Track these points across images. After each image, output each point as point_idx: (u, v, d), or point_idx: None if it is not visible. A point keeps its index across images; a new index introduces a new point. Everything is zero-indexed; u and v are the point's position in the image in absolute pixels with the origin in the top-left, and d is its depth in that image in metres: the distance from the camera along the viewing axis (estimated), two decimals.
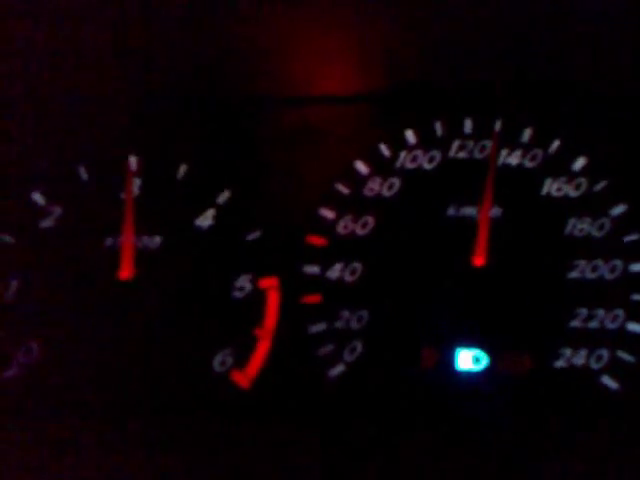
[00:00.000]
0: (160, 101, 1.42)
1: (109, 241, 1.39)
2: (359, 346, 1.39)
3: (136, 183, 1.41)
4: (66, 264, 1.39)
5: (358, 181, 1.43)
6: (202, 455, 1.32)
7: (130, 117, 1.41)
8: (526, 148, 1.42)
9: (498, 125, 1.42)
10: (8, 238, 1.40)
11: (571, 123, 1.42)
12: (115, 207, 1.40)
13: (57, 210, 1.42)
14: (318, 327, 1.40)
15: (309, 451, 1.32)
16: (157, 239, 1.40)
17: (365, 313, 1.40)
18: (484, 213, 1.37)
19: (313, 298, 1.40)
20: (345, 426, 1.35)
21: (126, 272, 1.36)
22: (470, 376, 1.37)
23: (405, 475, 1.28)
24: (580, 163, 1.42)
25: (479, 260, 1.37)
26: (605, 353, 1.38)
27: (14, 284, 1.38)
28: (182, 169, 1.42)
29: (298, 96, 1.44)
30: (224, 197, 1.42)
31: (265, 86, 1.41)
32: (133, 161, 1.42)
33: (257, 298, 1.39)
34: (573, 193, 1.42)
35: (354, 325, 1.39)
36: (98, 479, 1.28)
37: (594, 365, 1.38)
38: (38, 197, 1.42)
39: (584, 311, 1.39)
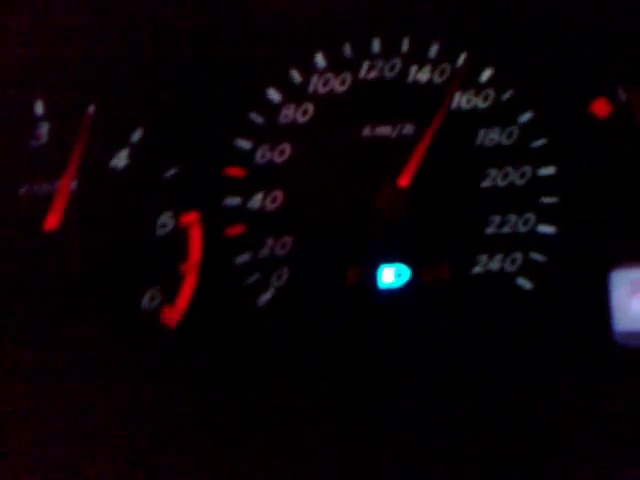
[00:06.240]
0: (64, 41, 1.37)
1: (23, 190, 1.36)
2: (286, 272, 1.42)
3: (44, 128, 1.38)
4: None
5: (272, 109, 1.42)
6: (135, 388, 1.35)
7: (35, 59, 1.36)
8: (434, 63, 1.44)
9: (405, 43, 1.43)
10: None
11: (476, 36, 1.43)
12: (24, 154, 1.36)
13: None
14: (243, 257, 1.42)
15: (242, 375, 1.38)
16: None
17: (289, 240, 1.42)
18: (425, 141, 1.39)
19: (236, 229, 1.42)
20: (277, 350, 1.40)
21: (53, 221, 1.34)
22: (393, 291, 1.43)
23: (338, 394, 1.35)
24: (487, 74, 1.45)
25: (404, 181, 1.40)
26: (519, 256, 1.45)
27: None
28: (90, 110, 1.39)
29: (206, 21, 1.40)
30: (137, 135, 1.40)
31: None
32: (39, 105, 1.38)
33: (180, 234, 1.40)
34: (482, 104, 1.45)
35: (279, 252, 1.42)
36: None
37: (509, 268, 1.45)
38: None
39: (497, 218, 1.45)
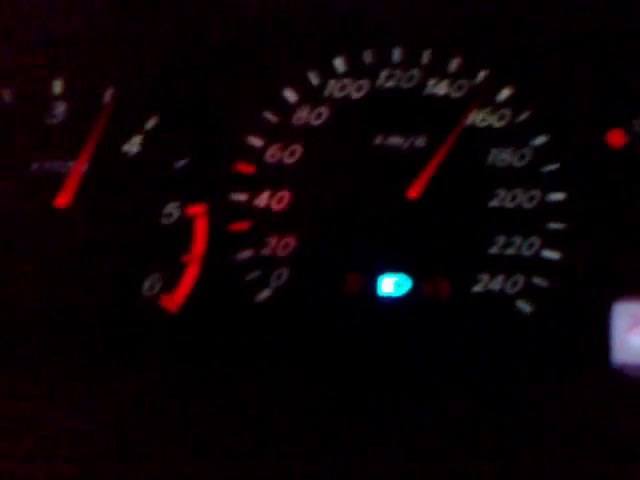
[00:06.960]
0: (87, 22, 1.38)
1: (34, 167, 1.38)
2: (285, 272, 1.43)
3: (61, 107, 1.39)
4: None
5: (286, 109, 1.43)
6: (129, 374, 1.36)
7: (54, 39, 1.37)
8: (453, 78, 1.44)
9: (427, 55, 1.43)
10: None
11: (498, 54, 1.44)
12: (39, 132, 1.38)
13: None
14: (245, 254, 1.42)
15: (233, 372, 1.38)
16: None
17: (292, 240, 1.43)
18: (439, 155, 1.40)
19: (240, 225, 1.42)
20: (272, 348, 1.41)
21: (64, 200, 1.36)
22: (392, 301, 1.43)
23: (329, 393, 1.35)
24: (505, 94, 1.45)
25: (414, 192, 1.40)
26: (520, 279, 1.44)
27: None
28: (108, 93, 1.40)
29: (228, 16, 1.42)
30: (151, 123, 1.41)
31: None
32: (57, 84, 1.40)
33: (185, 225, 1.41)
34: (497, 123, 1.45)
35: (281, 252, 1.42)
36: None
37: (510, 290, 1.44)
38: None
39: (502, 238, 1.44)
